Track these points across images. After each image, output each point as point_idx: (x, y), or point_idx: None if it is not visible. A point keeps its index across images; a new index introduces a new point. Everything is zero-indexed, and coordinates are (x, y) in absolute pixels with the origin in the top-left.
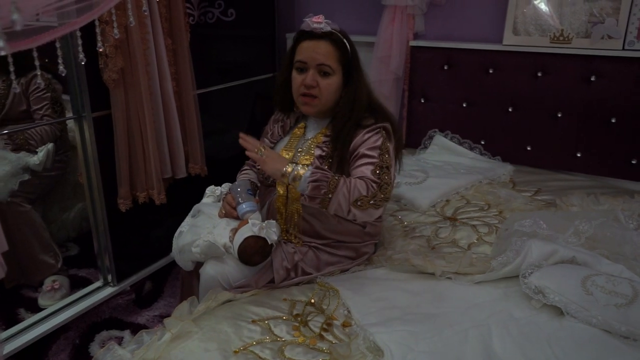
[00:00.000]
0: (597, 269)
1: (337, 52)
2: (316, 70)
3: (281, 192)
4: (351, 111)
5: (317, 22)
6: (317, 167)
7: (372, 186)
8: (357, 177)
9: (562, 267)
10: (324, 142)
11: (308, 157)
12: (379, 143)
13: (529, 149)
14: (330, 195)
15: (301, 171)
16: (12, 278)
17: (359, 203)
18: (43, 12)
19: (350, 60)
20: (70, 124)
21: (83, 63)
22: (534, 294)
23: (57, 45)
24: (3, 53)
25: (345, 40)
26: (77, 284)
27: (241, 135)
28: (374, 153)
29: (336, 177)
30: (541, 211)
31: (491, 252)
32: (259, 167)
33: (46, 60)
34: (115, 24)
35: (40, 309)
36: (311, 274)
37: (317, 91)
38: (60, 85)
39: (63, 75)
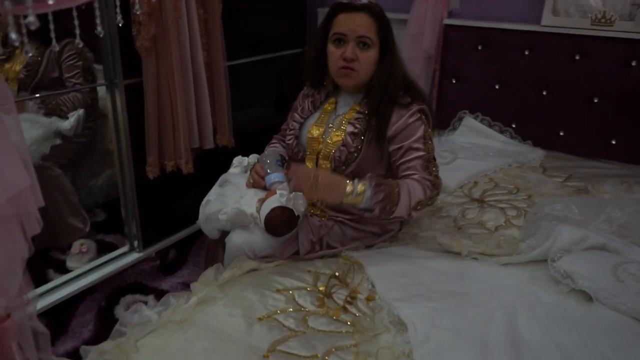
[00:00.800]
0: (629, 257)
1: (376, 24)
2: (355, 42)
3: (310, 166)
4: (387, 87)
5: None
6: (376, 183)
7: (428, 187)
8: (413, 179)
9: (593, 252)
10: (356, 118)
11: (339, 133)
12: (421, 132)
13: (561, 134)
14: (394, 209)
15: (360, 188)
16: (42, 240)
17: (418, 207)
18: None
19: (387, 33)
20: (102, 92)
21: (120, 25)
22: (563, 279)
23: (96, 6)
24: (52, 7)
25: (382, 12)
26: (103, 249)
27: (291, 169)
28: (420, 144)
29: (397, 189)
30: (573, 197)
31: (520, 235)
32: (314, 199)
33: (76, 24)
34: None
35: (68, 271)
36: (336, 247)
37: (357, 64)
38: (92, 54)
39: (101, 36)
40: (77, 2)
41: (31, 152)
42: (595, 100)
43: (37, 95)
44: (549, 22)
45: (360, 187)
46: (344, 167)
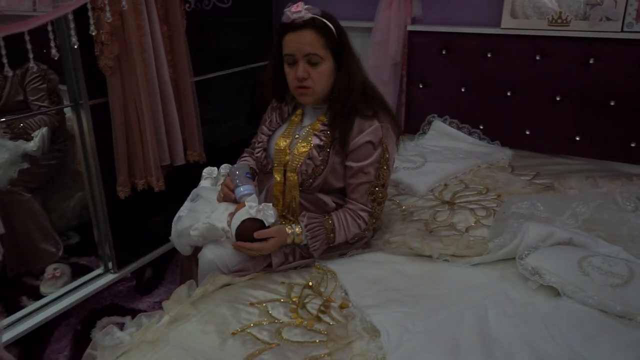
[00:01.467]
0: (594, 250)
1: (323, 38)
2: (305, 60)
3: (278, 179)
4: (346, 97)
5: (296, 11)
6: (308, 224)
7: (364, 220)
8: (350, 211)
9: (559, 248)
10: (321, 130)
11: (305, 144)
12: (375, 157)
13: (527, 133)
14: (331, 243)
15: (297, 230)
16: (14, 266)
17: (355, 238)
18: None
19: (339, 43)
20: (69, 112)
21: (76, 47)
22: (531, 275)
23: (49, 29)
24: None
25: (330, 24)
26: (78, 271)
27: (234, 245)
28: (371, 169)
29: (331, 227)
30: (539, 194)
31: (488, 235)
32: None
33: (44, 51)
34: (108, 9)
35: (41, 297)
36: (309, 258)
37: (310, 82)
38: (56, 76)
39: (56, 58)
40: (27, 27)
41: None
42: (558, 99)
43: (2, 119)
44: (508, 24)
45: (297, 229)
46: (311, 180)
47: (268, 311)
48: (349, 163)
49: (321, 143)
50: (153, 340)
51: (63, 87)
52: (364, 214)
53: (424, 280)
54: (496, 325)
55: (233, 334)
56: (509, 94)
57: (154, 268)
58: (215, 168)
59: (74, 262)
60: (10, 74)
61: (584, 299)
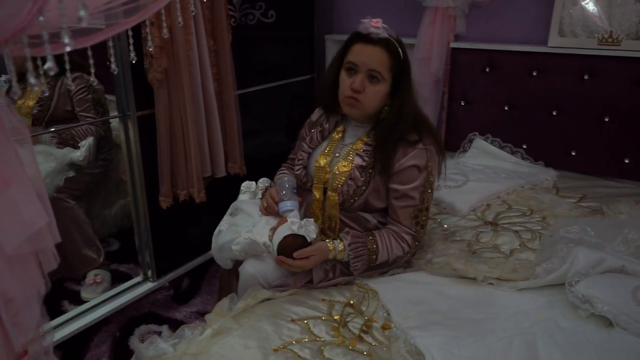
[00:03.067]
0: None
1: (390, 60)
2: (366, 74)
3: (317, 196)
4: (396, 124)
5: (375, 26)
6: (352, 242)
7: (408, 243)
8: (394, 233)
9: (611, 276)
10: (364, 150)
11: (346, 163)
12: (420, 181)
13: (573, 154)
14: (372, 264)
15: (340, 246)
16: (56, 271)
17: (397, 260)
18: (91, 13)
19: (402, 70)
20: (114, 123)
21: (134, 62)
22: (582, 303)
23: (110, 44)
24: (69, 49)
25: (400, 50)
26: (118, 278)
27: (277, 259)
28: (416, 194)
29: (374, 253)
30: (587, 218)
31: (535, 259)
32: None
33: (91, 62)
34: (164, 24)
35: (82, 302)
36: (350, 275)
37: (363, 96)
38: (101, 87)
39: (115, 73)
40: (92, 41)
41: (45, 184)
42: (606, 120)
43: (52, 129)
44: (555, 42)
45: (340, 246)
46: (352, 200)
47: (309, 328)
48: (393, 185)
49: (364, 164)
50: (196, 353)
51: (110, 97)
52: (407, 237)
53: (469, 303)
54: (546, 353)
55: (275, 350)
56: (554, 113)
57: (191, 278)
58: (254, 182)
59: (114, 268)
60: (72, 86)
61: (638, 331)
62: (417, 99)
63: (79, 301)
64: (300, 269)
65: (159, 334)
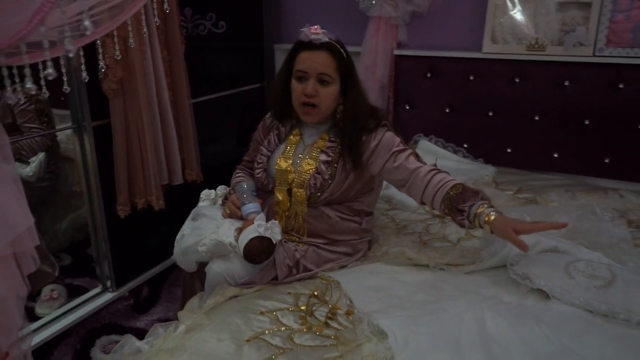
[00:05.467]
0: (578, 256)
1: (335, 61)
2: (316, 79)
3: (280, 197)
4: (356, 119)
5: (315, 32)
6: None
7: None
8: (432, 172)
9: (546, 255)
10: (328, 147)
11: (312, 161)
12: (398, 139)
13: (509, 151)
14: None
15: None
16: None
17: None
18: (49, 28)
19: (347, 68)
20: (62, 135)
21: (86, 81)
22: (522, 280)
23: (62, 62)
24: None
25: (342, 50)
26: (73, 292)
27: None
28: (403, 146)
29: (459, 186)
30: (524, 207)
31: (480, 244)
32: None
33: (28, 72)
34: (116, 38)
35: (37, 318)
36: (312, 270)
37: (317, 100)
38: (45, 97)
39: (67, 92)
40: (36, 59)
41: None
42: (536, 118)
43: (11, 139)
44: (489, 49)
45: (480, 209)
46: (318, 193)
47: (278, 319)
48: (381, 159)
49: (329, 159)
50: (172, 349)
51: (62, 111)
52: (432, 168)
53: (423, 287)
54: (493, 326)
55: (247, 340)
56: (490, 114)
57: (151, 287)
58: (213, 190)
59: (68, 282)
60: (13, 100)
61: (571, 300)
62: (365, 91)
63: (34, 318)
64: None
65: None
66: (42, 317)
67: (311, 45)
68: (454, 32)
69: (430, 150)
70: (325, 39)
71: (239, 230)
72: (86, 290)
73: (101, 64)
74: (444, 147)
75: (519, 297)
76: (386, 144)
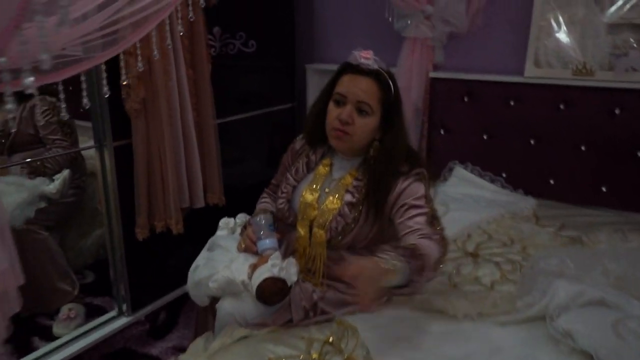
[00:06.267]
0: (628, 311)
1: (380, 92)
2: (354, 106)
3: (302, 233)
4: (390, 160)
5: (366, 57)
6: (400, 249)
7: (439, 242)
8: (423, 237)
9: (592, 308)
10: (354, 186)
11: (335, 200)
12: (422, 191)
13: (552, 182)
14: (427, 272)
15: (397, 266)
16: (29, 306)
17: (439, 265)
18: (70, 44)
19: (393, 103)
20: (89, 151)
21: (107, 96)
22: (563, 338)
23: (83, 78)
24: (30, 91)
25: (391, 83)
26: (92, 312)
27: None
28: (421, 202)
29: (418, 252)
30: (567, 249)
31: (516, 291)
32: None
33: (54, 86)
34: (140, 58)
35: (54, 338)
36: (330, 313)
37: (352, 129)
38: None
39: (87, 107)
40: (62, 76)
41: (15, 216)
42: (583, 148)
43: (23, 161)
44: (531, 73)
45: (394, 261)
46: (340, 237)
47: None
48: (397, 206)
49: (353, 200)
50: None
51: (83, 123)
52: (435, 237)
53: (450, 339)
54: None
55: None
56: (532, 142)
57: (168, 312)
58: (232, 219)
59: (88, 301)
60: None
61: None
62: (408, 134)
63: (51, 337)
64: (366, 298)
65: None
66: (58, 338)
67: (358, 70)
68: (493, 55)
69: (465, 179)
70: (375, 66)
71: (253, 267)
72: (105, 311)
73: (123, 77)
74: (481, 176)
75: (559, 357)
76: (408, 193)
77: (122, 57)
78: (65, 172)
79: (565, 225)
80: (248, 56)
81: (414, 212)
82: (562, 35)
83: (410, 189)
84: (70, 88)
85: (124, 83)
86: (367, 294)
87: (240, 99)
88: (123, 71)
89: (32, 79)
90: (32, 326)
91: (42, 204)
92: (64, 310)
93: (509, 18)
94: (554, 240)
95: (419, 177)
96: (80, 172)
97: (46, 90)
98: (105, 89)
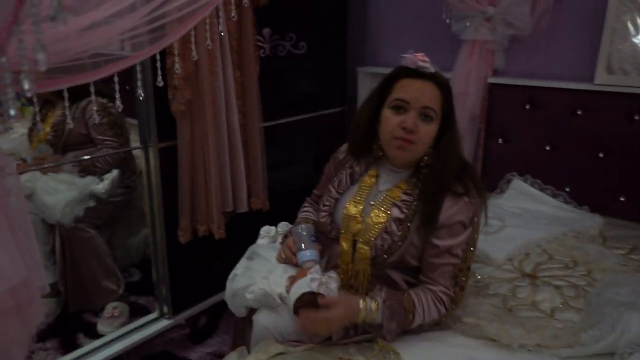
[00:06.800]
0: None
1: (442, 96)
2: (418, 112)
3: (345, 247)
4: (443, 171)
5: (423, 60)
6: (387, 300)
7: (444, 305)
8: (432, 294)
9: None
10: (402, 200)
11: (382, 214)
12: (463, 238)
13: (622, 199)
14: (407, 327)
15: (373, 306)
16: (76, 303)
17: (432, 324)
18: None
19: (450, 108)
20: (137, 151)
21: (160, 85)
22: None
23: (138, 69)
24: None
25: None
26: (136, 311)
27: (298, 322)
28: (458, 251)
29: (411, 313)
30: (638, 274)
31: (580, 322)
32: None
33: (111, 86)
34: (177, 60)
35: (98, 335)
36: (372, 332)
37: (417, 137)
38: (117, 110)
39: (141, 98)
40: (115, 69)
41: (65, 214)
42: None
43: (73, 160)
44: (603, 80)
45: (373, 305)
46: (385, 255)
47: None
48: (435, 241)
49: (402, 216)
50: None
51: (132, 121)
52: (445, 298)
53: None
54: None
55: None
56: (600, 155)
57: (209, 316)
58: (274, 227)
59: (133, 300)
60: (72, 126)
61: None
62: (462, 143)
63: (95, 334)
64: (324, 326)
65: None
66: (102, 336)
67: (417, 74)
68: (559, 60)
69: (525, 192)
70: (433, 69)
71: (292, 280)
72: (148, 311)
73: (176, 66)
74: (542, 190)
75: None
76: (452, 233)
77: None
78: (115, 172)
79: (637, 247)
80: (298, 58)
81: (444, 259)
82: None
83: (454, 229)
84: (127, 87)
85: (177, 72)
86: (329, 323)
87: (289, 102)
88: (176, 65)
89: (28, 85)
90: (79, 322)
91: (92, 203)
92: (109, 308)
93: (578, 20)
94: (623, 264)
95: (470, 219)
96: (130, 171)
97: (97, 91)
98: (159, 78)
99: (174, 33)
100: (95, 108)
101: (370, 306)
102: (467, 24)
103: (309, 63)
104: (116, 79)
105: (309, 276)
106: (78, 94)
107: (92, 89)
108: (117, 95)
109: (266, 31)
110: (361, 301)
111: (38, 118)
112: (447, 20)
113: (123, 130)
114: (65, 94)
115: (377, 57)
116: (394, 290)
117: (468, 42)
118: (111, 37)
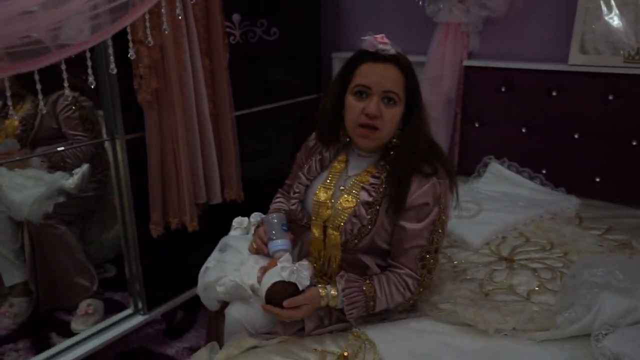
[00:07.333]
0: None
1: (404, 78)
2: (380, 97)
3: (317, 234)
4: (411, 152)
5: (383, 42)
6: (346, 289)
7: (410, 288)
8: (397, 276)
9: None
10: (371, 184)
11: (350, 198)
12: (431, 218)
13: (598, 180)
14: (370, 310)
15: (332, 302)
16: (47, 301)
17: (399, 308)
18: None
19: (415, 90)
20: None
21: (114, 72)
22: None
23: (87, 55)
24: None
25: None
26: (111, 307)
27: (263, 307)
28: (425, 233)
29: (371, 299)
30: (615, 256)
31: (556, 304)
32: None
33: (83, 78)
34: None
35: (72, 333)
36: (347, 322)
37: (380, 122)
38: (90, 103)
39: (92, 87)
40: (73, 51)
41: (33, 211)
42: (634, 143)
43: (40, 154)
44: (577, 60)
45: (332, 291)
46: (356, 240)
47: None
48: (402, 223)
49: (370, 199)
50: None
51: (101, 113)
52: (410, 282)
53: (479, 357)
54: None
55: None
56: (576, 136)
57: (186, 310)
58: (246, 218)
59: (108, 296)
60: (45, 111)
61: None
62: (429, 121)
63: (68, 332)
64: (289, 319)
65: None
66: (76, 334)
67: (378, 57)
68: (534, 41)
69: (501, 175)
70: (393, 51)
71: (264, 270)
72: (123, 307)
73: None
74: (519, 172)
75: None
76: (420, 215)
77: (130, 40)
78: (85, 167)
79: (613, 228)
80: (270, 44)
81: (410, 242)
82: (613, 19)
83: (423, 211)
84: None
85: (132, 58)
86: (293, 318)
87: (262, 90)
88: (130, 45)
89: None
90: (51, 321)
91: (61, 199)
92: (82, 306)
93: (551, 0)
94: (599, 245)
95: (438, 199)
96: (102, 166)
97: (70, 85)
98: (112, 65)
99: (129, 15)
100: (66, 102)
101: (330, 292)
102: (441, 6)
103: (282, 49)
104: (88, 54)
105: (279, 265)
106: (49, 87)
107: (65, 83)
108: (90, 72)
109: (236, 17)
110: (321, 288)
111: (10, 104)
112: (421, 3)
113: (95, 124)
114: (39, 87)
115: (352, 43)
116: (355, 277)
117: (442, 25)
118: (55, 21)
